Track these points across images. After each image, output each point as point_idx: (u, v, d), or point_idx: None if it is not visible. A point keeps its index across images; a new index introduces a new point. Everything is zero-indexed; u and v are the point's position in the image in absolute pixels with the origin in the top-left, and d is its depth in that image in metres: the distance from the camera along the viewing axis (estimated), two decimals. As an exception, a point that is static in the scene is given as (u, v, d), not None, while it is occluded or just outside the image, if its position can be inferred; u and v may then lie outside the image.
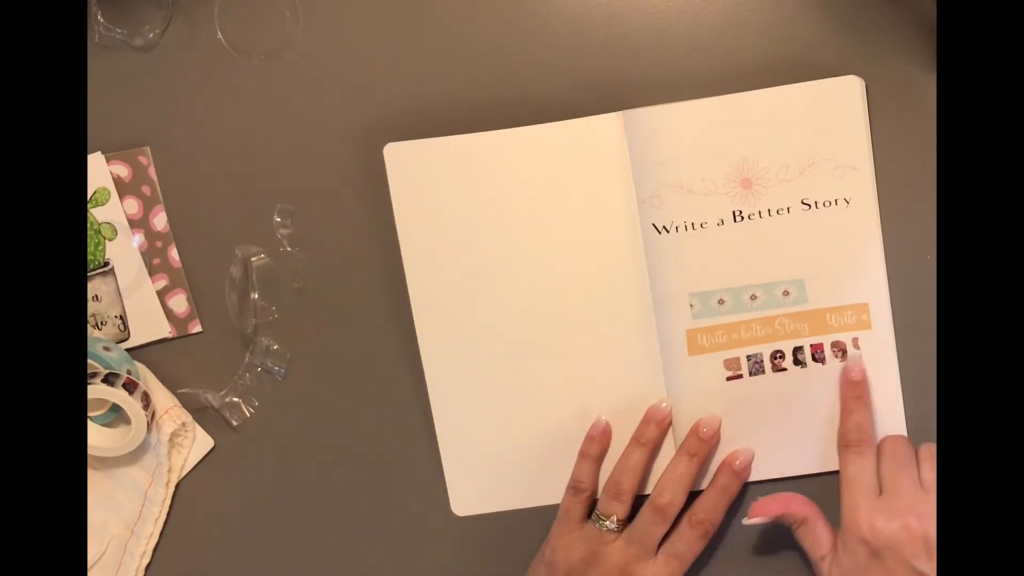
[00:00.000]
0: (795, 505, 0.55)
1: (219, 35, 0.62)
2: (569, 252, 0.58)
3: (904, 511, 0.51)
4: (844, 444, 0.55)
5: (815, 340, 0.58)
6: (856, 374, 0.56)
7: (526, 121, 0.58)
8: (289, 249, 0.62)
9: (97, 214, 0.62)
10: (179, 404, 0.62)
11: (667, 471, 0.57)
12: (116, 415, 0.61)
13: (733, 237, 0.57)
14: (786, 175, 0.57)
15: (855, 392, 0.56)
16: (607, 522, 0.56)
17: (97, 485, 0.62)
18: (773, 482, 0.58)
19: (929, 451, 0.54)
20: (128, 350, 0.61)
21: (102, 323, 0.62)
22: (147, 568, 0.62)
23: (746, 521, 0.55)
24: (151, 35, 0.62)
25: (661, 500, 0.56)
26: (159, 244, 0.62)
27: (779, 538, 0.58)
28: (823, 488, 0.57)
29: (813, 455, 0.58)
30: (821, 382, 0.57)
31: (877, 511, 0.52)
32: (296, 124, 0.61)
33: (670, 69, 0.59)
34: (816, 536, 0.54)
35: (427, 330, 0.59)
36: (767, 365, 0.58)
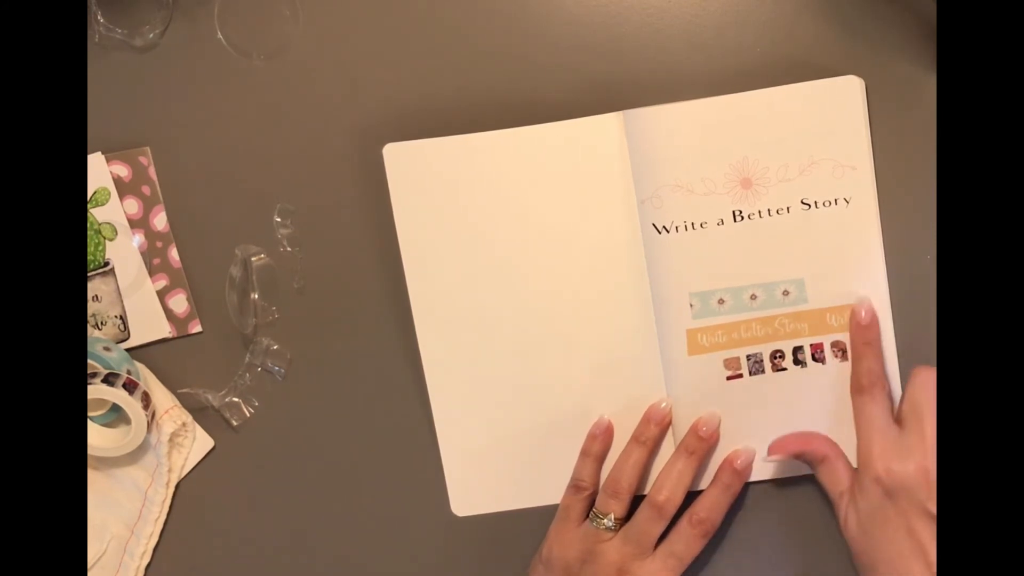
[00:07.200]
0: (815, 443, 0.55)
1: (219, 35, 0.62)
2: (569, 252, 0.58)
3: (921, 452, 0.51)
4: (856, 390, 0.55)
5: (815, 340, 0.58)
6: (864, 318, 0.56)
7: (526, 121, 0.58)
8: (289, 249, 0.62)
9: (97, 214, 0.62)
10: (179, 404, 0.62)
11: (665, 469, 0.57)
12: (116, 415, 0.61)
13: (733, 237, 0.57)
14: (786, 175, 0.57)
15: (864, 337, 0.56)
16: (605, 520, 0.56)
17: (97, 485, 0.62)
18: (774, 481, 0.58)
19: None
20: (128, 350, 0.61)
21: (102, 323, 0.62)
22: (147, 568, 0.62)
23: (766, 458, 0.56)
24: (151, 35, 0.62)
25: (659, 497, 0.55)
26: (159, 244, 0.62)
27: (779, 538, 0.58)
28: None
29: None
30: (821, 382, 0.57)
31: (893, 452, 0.52)
32: (296, 124, 0.61)
33: (670, 69, 0.59)
34: (836, 474, 0.54)
35: (427, 330, 0.59)
36: (767, 365, 0.58)
